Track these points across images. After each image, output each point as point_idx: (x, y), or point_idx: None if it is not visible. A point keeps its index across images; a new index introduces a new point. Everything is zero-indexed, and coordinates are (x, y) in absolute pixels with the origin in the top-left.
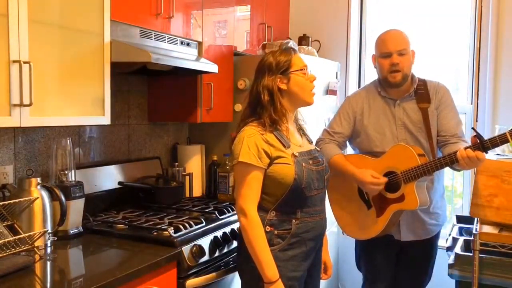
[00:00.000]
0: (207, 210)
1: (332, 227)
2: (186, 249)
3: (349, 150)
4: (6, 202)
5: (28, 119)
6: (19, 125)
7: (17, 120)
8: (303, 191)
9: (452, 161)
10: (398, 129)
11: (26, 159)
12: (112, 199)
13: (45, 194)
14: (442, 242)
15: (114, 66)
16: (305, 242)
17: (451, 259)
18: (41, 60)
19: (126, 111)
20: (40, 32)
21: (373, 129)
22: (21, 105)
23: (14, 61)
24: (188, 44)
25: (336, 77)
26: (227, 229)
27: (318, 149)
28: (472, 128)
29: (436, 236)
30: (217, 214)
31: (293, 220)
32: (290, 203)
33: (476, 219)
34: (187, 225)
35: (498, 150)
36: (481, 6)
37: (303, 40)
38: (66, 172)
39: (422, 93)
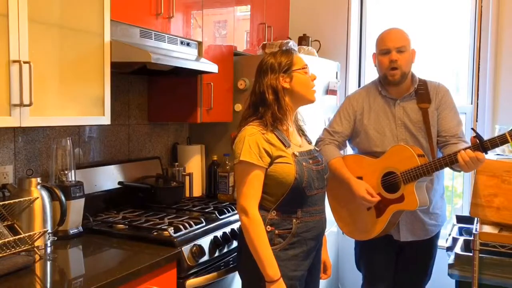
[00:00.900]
0: (207, 210)
1: (332, 227)
2: (186, 249)
3: (349, 150)
4: (6, 202)
5: (28, 119)
6: (19, 125)
7: (17, 120)
8: (303, 190)
9: (452, 162)
10: (398, 128)
11: (26, 159)
12: (112, 199)
13: (45, 194)
14: (442, 242)
15: (114, 66)
16: (306, 242)
17: (451, 259)
18: (41, 60)
19: (126, 111)
20: (40, 32)
21: (373, 129)
22: (21, 105)
23: (14, 61)
24: (188, 44)
25: (336, 77)
26: (227, 229)
27: (318, 149)
28: (472, 129)
29: (436, 236)
30: (217, 214)
31: (294, 220)
32: (291, 202)
33: (476, 219)
34: (187, 225)
35: (498, 150)
36: (481, 6)
37: (303, 40)
38: (66, 172)
39: (423, 93)
